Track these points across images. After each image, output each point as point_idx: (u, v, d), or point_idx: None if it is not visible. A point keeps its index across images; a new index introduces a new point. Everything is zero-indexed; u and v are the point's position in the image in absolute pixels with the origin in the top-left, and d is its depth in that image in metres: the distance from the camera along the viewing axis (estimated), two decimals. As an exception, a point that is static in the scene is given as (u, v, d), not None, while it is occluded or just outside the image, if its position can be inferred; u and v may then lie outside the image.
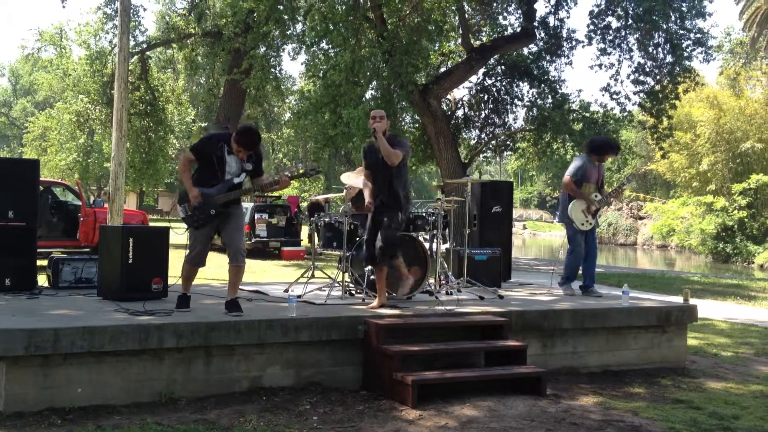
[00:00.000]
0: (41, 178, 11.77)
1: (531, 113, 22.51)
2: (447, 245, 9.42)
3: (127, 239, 6.95)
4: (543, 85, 21.48)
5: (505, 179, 51.77)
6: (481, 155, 26.51)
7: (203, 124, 37.99)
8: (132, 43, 24.48)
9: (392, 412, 5.77)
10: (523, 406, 6.00)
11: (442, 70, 22.74)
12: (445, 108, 22.27)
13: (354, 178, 8.43)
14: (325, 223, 8.39)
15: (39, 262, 8.02)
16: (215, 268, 13.56)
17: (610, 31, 20.37)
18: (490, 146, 24.95)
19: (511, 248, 11.19)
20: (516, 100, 22.96)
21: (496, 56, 21.64)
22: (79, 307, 6.58)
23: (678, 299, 9.37)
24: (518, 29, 21.13)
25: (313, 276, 8.60)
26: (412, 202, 8.38)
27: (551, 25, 21.17)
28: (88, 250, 14.86)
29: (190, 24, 27.59)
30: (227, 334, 5.97)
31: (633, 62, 20.73)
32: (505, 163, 68.09)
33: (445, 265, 8.98)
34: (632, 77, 20.83)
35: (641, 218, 48.95)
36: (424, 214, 8.41)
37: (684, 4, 19.24)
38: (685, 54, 19.65)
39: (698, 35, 19.63)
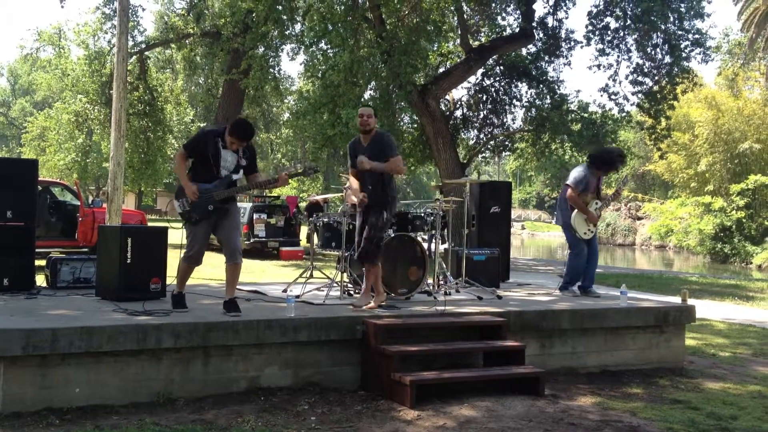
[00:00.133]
0: (40, 178, 11.75)
1: (529, 114, 22.54)
2: (445, 245, 9.43)
3: (125, 239, 6.95)
4: (541, 86, 21.51)
5: (504, 179, 51.81)
6: (480, 155, 26.54)
7: (202, 125, 37.98)
8: (131, 43, 24.50)
9: (390, 412, 5.77)
10: (521, 406, 6.00)
11: (441, 70, 22.76)
12: (443, 108, 22.29)
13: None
14: (324, 224, 8.39)
15: (37, 262, 8.01)
16: (213, 268, 13.57)
17: (609, 32, 20.39)
18: (489, 146, 24.97)
19: (509, 248, 11.19)
20: (514, 101, 23.00)
21: (494, 57, 21.66)
22: (78, 307, 6.58)
23: (676, 299, 9.38)
24: (517, 30, 21.15)
25: (311, 276, 8.60)
26: (399, 201, 8.40)
27: (550, 25, 21.20)
28: (86, 250, 14.85)
29: (188, 24, 27.59)
30: (225, 335, 5.97)
31: (631, 63, 20.77)
32: (503, 164, 68.12)
33: (444, 266, 8.98)
34: (630, 78, 20.87)
35: (639, 219, 48.98)
36: (422, 215, 8.41)
37: (682, 5, 19.26)
38: (684, 55, 19.68)
39: (696, 36, 19.65)
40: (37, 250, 8.03)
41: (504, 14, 22.17)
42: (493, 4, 21.26)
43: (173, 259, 7.12)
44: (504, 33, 21.84)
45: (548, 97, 21.47)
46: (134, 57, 26.84)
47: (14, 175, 7.70)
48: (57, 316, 6.08)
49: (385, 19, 19.36)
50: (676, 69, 19.87)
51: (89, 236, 15.12)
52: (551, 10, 21.23)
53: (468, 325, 6.99)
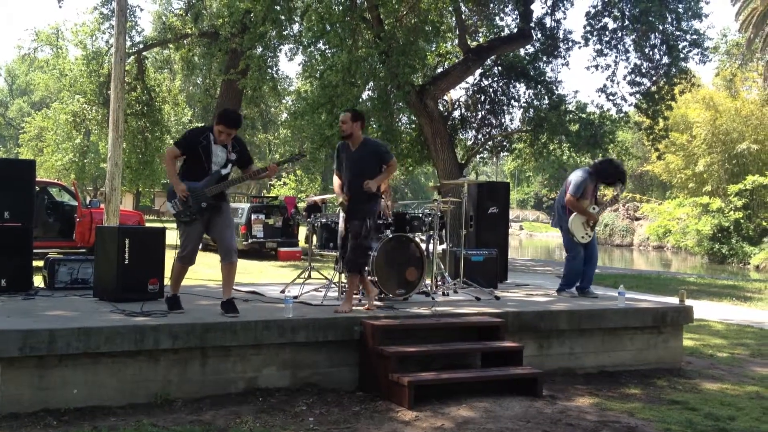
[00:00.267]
0: (37, 179, 11.74)
1: (527, 114, 22.56)
2: (443, 246, 9.42)
3: (123, 240, 6.94)
4: (539, 86, 21.52)
5: (502, 180, 51.83)
6: (478, 156, 26.57)
7: (200, 125, 37.94)
8: (128, 43, 24.47)
9: (388, 413, 5.76)
10: (519, 407, 6.00)
11: (439, 70, 22.77)
12: (441, 109, 22.30)
13: None
14: (322, 224, 8.38)
15: (35, 263, 8.00)
16: (210, 268, 13.56)
17: (607, 33, 20.41)
18: (487, 147, 24.99)
19: (507, 249, 11.18)
20: (513, 101, 23.01)
21: (492, 57, 21.67)
22: (75, 308, 6.57)
23: (674, 300, 9.39)
24: (515, 30, 21.17)
25: (309, 277, 8.59)
26: (397, 202, 8.40)
27: (548, 26, 21.22)
28: (84, 250, 14.83)
29: (186, 24, 27.58)
30: (223, 335, 5.96)
31: (629, 63, 20.79)
32: (501, 164, 68.12)
33: (442, 266, 8.98)
34: (628, 78, 20.88)
35: (637, 219, 49.03)
36: (420, 215, 8.40)
37: (680, 6, 19.28)
38: (681, 55, 19.70)
39: (694, 36, 19.67)
40: (34, 250, 8.01)
41: (502, 15, 22.21)
42: (491, 5, 21.28)
43: (171, 260, 7.11)
44: (502, 33, 21.86)
45: (546, 97, 21.49)
46: (132, 57, 26.82)
47: (12, 176, 7.68)
48: (54, 316, 6.07)
49: (383, 19, 19.36)
50: (674, 69, 19.89)
51: (87, 237, 15.11)
52: (549, 11, 21.25)
53: (466, 325, 6.99)
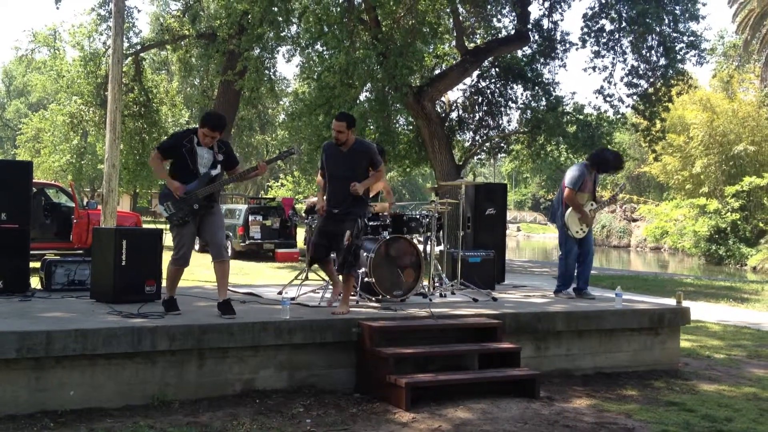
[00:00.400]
0: (34, 180, 11.71)
1: (525, 115, 22.56)
2: (441, 247, 9.43)
3: (120, 241, 6.93)
4: (537, 88, 21.53)
5: (499, 181, 51.87)
6: (475, 157, 26.56)
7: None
8: (126, 44, 24.46)
9: (386, 414, 5.76)
10: (516, 408, 6.00)
11: (437, 72, 22.78)
12: (439, 110, 22.30)
13: None
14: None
15: (32, 264, 7.99)
16: (208, 270, 13.54)
17: (604, 34, 20.43)
18: (484, 148, 24.99)
19: (505, 250, 11.18)
20: (510, 103, 23.02)
21: (490, 58, 21.68)
22: (72, 309, 6.56)
23: (671, 301, 9.39)
24: (512, 32, 21.18)
25: (307, 278, 8.59)
26: (395, 203, 8.39)
27: (545, 27, 21.24)
28: (81, 252, 14.81)
29: (184, 25, 27.57)
30: (220, 337, 5.96)
31: (626, 65, 20.81)
32: (499, 166, 68.14)
33: (439, 268, 8.98)
34: (626, 80, 20.91)
35: (634, 220, 49.08)
36: (418, 216, 8.41)
37: (677, 7, 19.31)
38: (679, 57, 19.73)
39: (691, 38, 19.70)
40: (31, 252, 8.01)
41: (499, 16, 22.19)
42: (489, 6, 21.27)
43: (168, 262, 7.10)
44: (499, 35, 21.86)
45: (543, 99, 21.50)
46: (129, 58, 26.80)
47: (9, 177, 7.67)
48: (51, 318, 6.06)
49: (380, 20, 19.36)
50: (671, 71, 19.92)
51: (84, 238, 15.10)
52: (546, 12, 21.28)
53: (463, 327, 6.99)
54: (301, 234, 20.07)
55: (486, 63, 21.90)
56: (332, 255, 7.35)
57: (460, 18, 21.15)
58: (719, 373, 7.88)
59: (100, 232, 7.71)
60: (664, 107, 20.98)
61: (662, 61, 20.02)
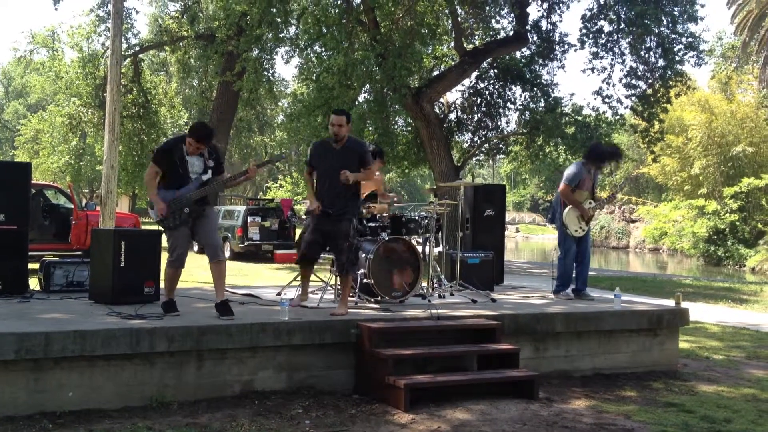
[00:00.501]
0: (33, 181, 11.72)
1: (523, 117, 22.58)
2: (440, 248, 9.43)
3: (119, 242, 6.93)
4: (535, 89, 21.55)
5: (498, 182, 51.85)
6: (474, 158, 26.57)
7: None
8: (125, 45, 24.48)
9: (385, 415, 5.76)
10: (515, 409, 6.00)
11: (435, 73, 22.79)
12: (438, 111, 22.31)
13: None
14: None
15: (30, 266, 7.99)
16: (206, 271, 13.52)
17: (603, 35, 20.46)
18: (483, 149, 25.01)
19: (503, 251, 11.19)
20: (509, 104, 23.04)
21: (488, 60, 21.69)
22: (71, 310, 6.56)
23: (670, 302, 9.39)
24: (511, 33, 21.20)
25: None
26: (393, 204, 8.37)
27: (544, 28, 21.25)
28: (80, 253, 14.80)
29: (182, 27, 27.59)
30: (219, 338, 5.96)
31: (625, 66, 20.84)
32: (497, 167, 68.16)
33: (438, 269, 8.99)
34: (624, 81, 20.93)
35: (633, 221, 49.11)
36: (416, 218, 8.41)
37: (676, 9, 19.33)
38: (677, 58, 19.75)
39: (690, 39, 19.72)
40: (30, 253, 8.00)
41: (498, 17, 22.21)
42: (487, 8, 21.30)
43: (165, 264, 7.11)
44: (498, 36, 21.87)
45: (542, 100, 21.52)
46: (128, 59, 26.81)
47: (7, 178, 7.67)
48: (50, 319, 6.06)
49: (379, 22, 19.37)
50: (669, 72, 19.94)
51: (83, 239, 15.09)
52: (545, 14, 21.30)
53: (462, 328, 6.99)
54: (299, 235, 20.06)
55: (485, 64, 21.91)
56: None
57: (459, 19, 21.17)
58: (718, 374, 7.88)
59: (99, 233, 7.70)
60: (662, 108, 21.00)
61: (661, 63, 20.04)
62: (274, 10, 19.07)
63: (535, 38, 21.20)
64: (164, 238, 7.13)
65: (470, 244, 10.36)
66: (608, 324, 7.72)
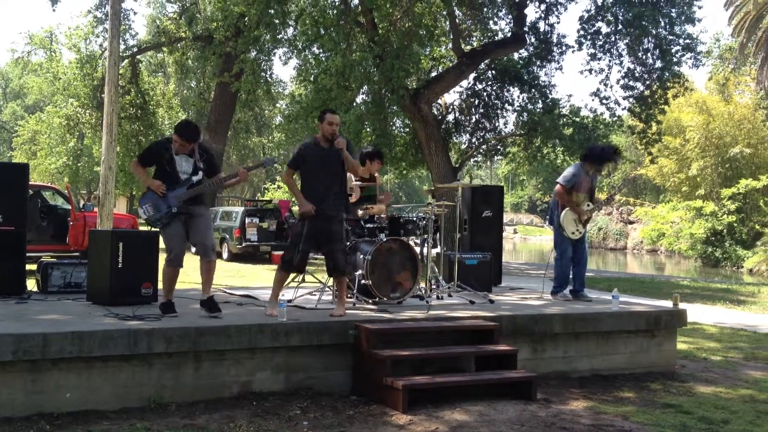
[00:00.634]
0: (31, 182, 11.71)
1: (521, 118, 22.62)
2: (437, 250, 9.42)
3: (116, 243, 6.92)
4: (533, 90, 21.58)
5: (496, 183, 51.89)
6: (472, 160, 26.59)
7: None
8: (122, 46, 24.46)
9: (383, 417, 5.76)
10: (513, 410, 6.00)
11: (433, 74, 22.81)
12: (435, 112, 22.33)
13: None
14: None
15: (28, 267, 7.98)
16: (205, 273, 13.47)
17: (600, 37, 20.49)
18: (481, 151, 25.03)
19: (501, 252, 11.19)
20: (506, 105, 23.07)
21: (486, 61, 21.73)
22: (69, 311, 6.55)
23: (668, 303, 9.40)
24: (509, 34, 21.23)
25: (303, 280, 8.59)
26: (391, 205, 8.35)
27: (541, 30, 21.30)
28: (77, 254, 14.80)
29: (180, 28, 27.59)
30: (217, 339, 5.95)
31: (623, 67, 20.89)
32: (495, 168, 68.21)
33: (436, 270, 8.98)
34: (622, 82, 20.97)
35: (631, 222, 49.15)
36: (414, 219, 8.41)
37: (673, 10, 19.37)
38: (675, 59, 19.78)
39: (687, 41, 19.76)
40: (28, 254, 8.00)
41: (496, 19, 22.26)
42: (485, 9, 21.33)
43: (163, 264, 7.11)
44: (496, 37, 21.91)
45: (540, 101, 21.55)
46: (126, 61, 26.82)
47: (5, 179, 7.66)
48: (48, 320, 6.05)
49: (377, 23, 19.39)
50: (667, 73, 19.98)
51: (80, 240, 15.08)
52: (543, 15, 21.34)
53: (460, 329, 6.99)
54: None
55: (482, 65, 21.95)
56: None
57: (457, 21, 21.19)
58: (716, 375, 7.88)
59: (97, 234, 7.69)
60: (660, 110, 21.04)
61: (658, 64, 20.07)
62: (272, 11, 19.09)
63: (532, 40, 21.23)
64: (162, 239, 7.15)
65: (468, 245, 10.36)
66: (606, 325, 7.72)
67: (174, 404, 5.77)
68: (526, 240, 64.96)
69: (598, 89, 21.38)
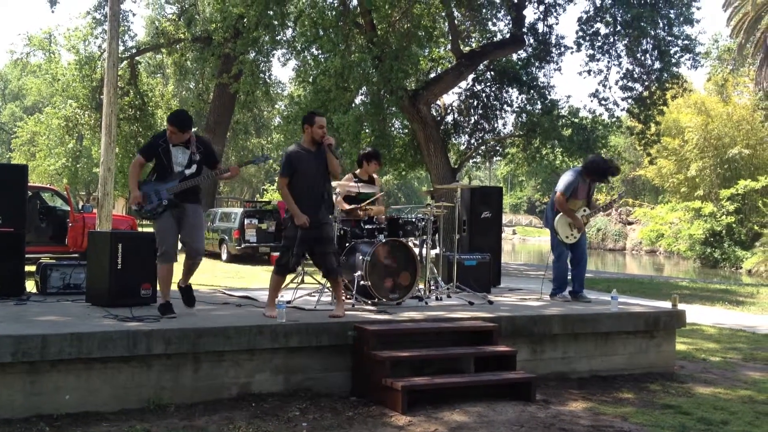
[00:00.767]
0: (30, 183, 11.70)
1: (520, 119, 22.63)
2: (436, 251, 9.42)
3: (116, 245, 6.92)
4: (532, 91, 21.60)
5: (495, 184, 51.90)
6: (471, 161, 26.61)
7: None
8: (121, 48, 24.44)
9: (382, 418, 5.76)
10: (512, 411, 6.00)
11: (432, 75, 22.84)
12: (434, 113, 22.35)
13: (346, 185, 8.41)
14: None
15: (27, 268, 7.97)
16: (203, 273, 13.53)
17: (599, 38, 20.52)
18: (480, 152, 25.05)
19: (500, 253, 11.19)
20: (505, 106, 23.09)
21: (485, 62, 21.75)
22: (68, 313, 6.55)
23: (666, 304, 9.41)
24: (507, 35, 21.25)
25: (302, 282, 8.58)
26: (390, 206, 8.32)
27: (540, 31, 21.32)
28: (76, 255, 14.78)
29: (179, 29, 27.61)
30: (216, 340, 5.95)
31: (621, 68, 20.91)
32: (494, 169, 68.25)
33: (435, 271, 8.98)
34: (620, 83, 21.00)
35: (630, 223, 49.16)
36: (413, 220, 8.41)
37: (672, 11, 19.40)
38: (673, 60, 19.81)
39: (686, 42, 19.79)
40: (27, 255, 7.99)
41: (494, 20, 22.30)
42: (484, 10, 21.35)
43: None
44: (495, 39, 21.93)
45: (539, 102, 21.57)
46: (125, 62, 26.83)
47: (4, 181, 7.66)
48: (47, 322, 6.04)
49: (376, 24, 19.40)
50: (665, 74, 20.01)
51: (79, 242, 15.07)
52: (541, 16, 21.36)
53: (459, 330, 6.99)
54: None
55: (481, 66, 21.96)
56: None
57: (456, 22, 21.21)
58: (715, 376, 7.89)
59: (96, 235, 7.69)
60: (658, 110, 21.07)
61: (657, 65, 20.10)
62: (271, 12, 19.10)
63: (531, 41, 21.25)
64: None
65: (467, 246, 10.36)
66: (605, 326, 7.72)
67: (173, 405, 5.76)
68: (525, 241, 64.98)
69: (596, 90, 21.43)
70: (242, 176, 55.56)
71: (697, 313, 12.47)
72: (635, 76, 20.80)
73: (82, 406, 5.52)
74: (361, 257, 7.60)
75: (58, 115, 30.07)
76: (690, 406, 6.45)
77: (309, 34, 18.66)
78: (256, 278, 16.11)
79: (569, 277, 9.00)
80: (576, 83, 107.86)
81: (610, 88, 21.36)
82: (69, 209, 15.85)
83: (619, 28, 19.88)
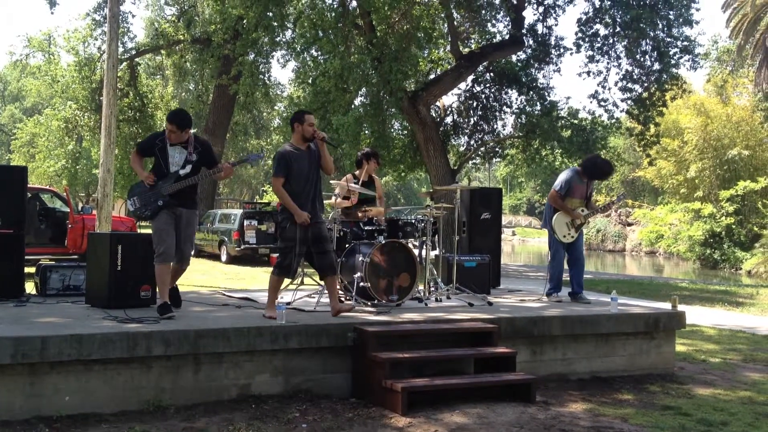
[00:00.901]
0: (29, 185, 11.70)
1: (519, 120, 22.65)
2: (436, 252, 9.43)
3: (115, 246, 6.92)
4: (531, 92, 21.61)
5: (494, 186, 51.90)
6: (470, 162, 26.63)
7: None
8: (121, 49, 24.48)
9: (382, 419, 5.76)
10: (512, 412, 6.00)
11: (431, 76, 22.84)
12: (434, 115, 22.35)
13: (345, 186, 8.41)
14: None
15: (27, 270, 7.97)
16: (203, 274, 13.54)
17: (598, 39, 20.53)
18: (479, 153, 25.06)
19: (500, 255, 11.20)
20: (505, 107, 23.10)
21: (484, 63, 21.76)
22: (67, 314, 6.54)
23: (666, 305, 9.40)
24: (507, 37, 21.26)
25: (302, 283, 8.59)
26: (390, 207, 8.35)
27: (539, 32, 21.33)
28: (76, 257, 14.79)
29: (179, 31, 27.60)
30: (216, 342, 5.95)
31: (621, 69, 20.93)
32: (494, 170, 68.27)
33: (435, 272, 8.99)
34: (620, 84, 21.02)
35: (629, 224, 49.18)
36: (413, 221, 8.41)
37: (671, 12, 19.41)
38: (673, 61, 19.83)
39: (685, 43, 19.81)
40: (26, 257, 7.99)
41: (494, 21, 22.30)
42: (483, 12, 21.36)
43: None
44: (494, 40, 21.93)
45: (538, 103, 21.58)
46: (124, 63, 26.84)
47: (3, 182, 7.66)
48: (46, 323, 6.04)
49: (375, 25, 19.41)
50: (665, 76, 20.02)
51: (79, 243, 15.07)
52: (541, 18, 21.37)
53: (459, 331, 6.98)
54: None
55: (481, 68, 21.97)
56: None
57: (455, 23, 21.22)
58: (715, 377, 7.88)
59: (95, 237, 7.69)
60: (658, 112, 21.08)
61: (656, 66, 20.12)
62: (271, 14, 19.11)
63: (530, 42, 21.26)
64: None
65: (467, 247, 10.37)
66: (605, 327, 7.72)
67: (173, 407, 5.76)
68: (525, 242, 64.98)
69: (596, 91, 21.42)
70: (241, 177, 55.57)
71: (696, 315, 12.47)
72: (634, 77, 20.83)
73: (82, 408, 5.52)
74: (360, 258, 7.61)
75: (58, 117, 30.07)
76: (690, 407, 6.45)
77: (308, 35, 18.68)
78: (256, 279, 16.11)
79: (566, 278, 9.01)
80: (575, 84, 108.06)
81: (609, 89, 21.40)
82: (68, 211, 15.85)
83: (618, 29, 19.91)
